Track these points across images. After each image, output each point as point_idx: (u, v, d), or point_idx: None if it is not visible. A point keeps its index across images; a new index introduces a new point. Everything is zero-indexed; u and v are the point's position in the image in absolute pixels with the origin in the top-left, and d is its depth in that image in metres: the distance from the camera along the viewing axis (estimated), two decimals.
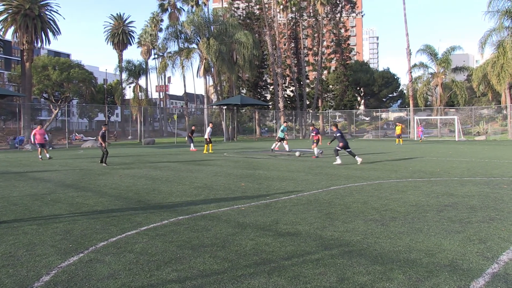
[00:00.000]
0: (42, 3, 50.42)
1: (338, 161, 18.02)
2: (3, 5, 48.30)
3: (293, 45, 71.64)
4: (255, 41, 53.32)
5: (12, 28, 48.86)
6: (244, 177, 13.99)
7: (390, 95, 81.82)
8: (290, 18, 69.24)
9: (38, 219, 7.92)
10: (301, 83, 67.92)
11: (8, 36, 51.90)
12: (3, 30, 49.57)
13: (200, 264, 5.21)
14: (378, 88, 76.48)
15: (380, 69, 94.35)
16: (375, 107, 73.58)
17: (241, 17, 67.32)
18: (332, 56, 73.55)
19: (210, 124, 28.65)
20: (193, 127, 33.77)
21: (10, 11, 48.31)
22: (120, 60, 75.10)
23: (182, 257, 5.51)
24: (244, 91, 68.44)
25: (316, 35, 69.13)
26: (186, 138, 30.54)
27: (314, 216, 7.83)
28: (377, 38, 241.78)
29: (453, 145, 35.94)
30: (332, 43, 72.47)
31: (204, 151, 26.98)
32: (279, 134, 27.65)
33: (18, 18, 47.81)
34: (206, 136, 27.64)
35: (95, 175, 14.98)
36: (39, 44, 51.13)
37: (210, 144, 27.43)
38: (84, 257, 5.58)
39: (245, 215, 7.98)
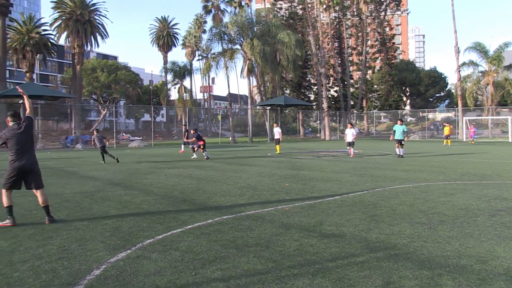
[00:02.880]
0: (91, 8, 52.28)
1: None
2: (58, 12, 50.58)
3: (336, 45, 70.88)
4: (298, 41, 53.12)
5: (65, 33, 51.10)
6: (288, 177, 13.95)
7: (437, 95, 79.85)
8: (333, 18, 68.56)
9: (89, 216, 8.17)
10: (345, 83, 67.15)
11: (61, 41, 54.19)
12: (57, 35, 52.10)
13: (244, 264, 5.22)
14: (424, 87, 74.76)
15: (427, 68, 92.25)
16: (421, 107, 71.95)
17: (284, 17, 67.17)
18: (377, 55, 72.30)
19: (275, 125, 28.25)
20: (183, 126, 31.04)
21: (64, 17, 50.50)
22: (165, 62, 76.51)
23: (226, 256, 5.54)
24: (287, 91, 68.29)
25: (360, 34, 68.16)
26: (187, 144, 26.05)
27: (359, 218, 7.72)
28: (423, 36, 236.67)
29: (506, 146, 34.66)
30: (376, 42, 71.23)
31: (277, 151, 26.78)
32: (398, 136, 22.20)
33: (70, 23, 49.95)
34: (277, 137, 27.16)
35: (141, 174, 15.30)
36: (89, 48, 53.05)
37: (278, 145, 27.12)
38: (131, 254, 5.71)
39: (289, 216, 7.96)
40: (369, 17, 67.11)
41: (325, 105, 58.86)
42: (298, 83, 68.61)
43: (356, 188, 11.42)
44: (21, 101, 35.87)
